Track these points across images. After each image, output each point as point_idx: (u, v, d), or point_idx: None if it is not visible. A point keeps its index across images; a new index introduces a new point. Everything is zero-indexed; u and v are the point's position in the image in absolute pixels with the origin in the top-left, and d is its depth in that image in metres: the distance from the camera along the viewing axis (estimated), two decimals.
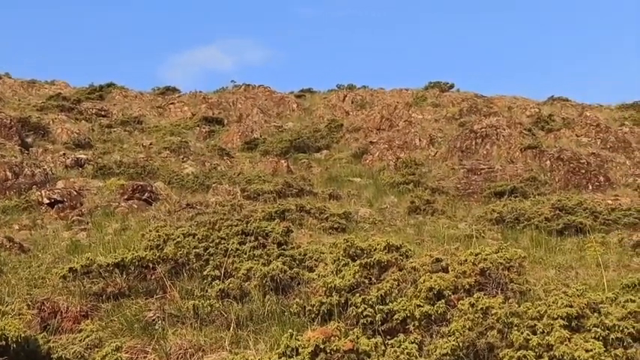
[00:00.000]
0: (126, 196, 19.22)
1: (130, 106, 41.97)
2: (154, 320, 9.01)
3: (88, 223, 17.00)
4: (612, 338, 6.62)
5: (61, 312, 9.45)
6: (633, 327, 6.71)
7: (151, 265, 10.57)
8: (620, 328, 6.67)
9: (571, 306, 6.92)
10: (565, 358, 6.29)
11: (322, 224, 17.41)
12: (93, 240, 14.72)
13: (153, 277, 10.56)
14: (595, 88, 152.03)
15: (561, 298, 7.14)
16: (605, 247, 15.84)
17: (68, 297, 9.88)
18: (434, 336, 7.59)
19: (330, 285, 8.60)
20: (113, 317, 9.21)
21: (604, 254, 14.69)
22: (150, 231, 11.89)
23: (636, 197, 23.44)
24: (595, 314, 6.92)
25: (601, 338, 6.60)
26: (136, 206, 18.73)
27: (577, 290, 7.34)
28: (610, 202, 21.89)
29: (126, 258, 10.41)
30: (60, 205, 18.58)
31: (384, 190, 25.27)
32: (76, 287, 10.20)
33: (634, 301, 7.10)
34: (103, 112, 39.03)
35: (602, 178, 26.12)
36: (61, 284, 10.25)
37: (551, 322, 6.77)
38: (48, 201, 18.75)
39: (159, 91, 48.58)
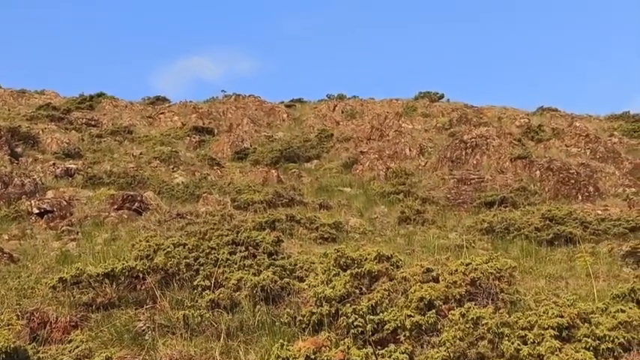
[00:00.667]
0: (116, 206, 19.18)
1: (120, 116, 41.89)
2: (144, 330, 8.99)
3: (77, 233, 16.95)
4: (603, 348, 6.63)
5: (51, 322, 9.42)
6: (624, 337, 6.73)
7: (141, 275, 10.54)
8: (611, 338, 6.69)
9: (562, 316, 6.93)
10: None
11: (313, 234, 17.40)
12: (83, 250, 14.67)
13: (143, 287, 10.53)
14: (584, 98, 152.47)
15: (552, 308, 7.15)
16: (595, 257, 15.87)
17: (58, 307, 9.85)
18: (425, 346, 7.59)
19: (320, 295, 8.59)
20: (103, 327, 9.18)
21: (594, 264, 14.72)
22: (140, 241, 11.87)
23: (626, 207, 23.48)
24: (586, 324, 6.94)
25: (592, 348, 6.62)
26: (126, 216, 18.69)
27: (567, 300, 7.36)
28: (600, 212, 21.92)
29: (116, 268, 10.38)
30: (50, 215, 18.53)
31: (374, 199, 25.26)
32: (65, 297, 10.16)
33: (624, 312, 7.12)
34: (93, 122, 38.95)
35: (591, 189, 26.17)
36: (51, 294, 10.22)
37: (542, 332, 6.78)
38: (37, 211, 18.70)
39: (149, 100, 48.51)
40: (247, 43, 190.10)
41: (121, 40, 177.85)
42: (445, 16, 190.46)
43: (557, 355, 6.47)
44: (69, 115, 38.94)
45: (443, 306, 8.05)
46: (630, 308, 7.31)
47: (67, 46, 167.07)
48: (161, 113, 42.95)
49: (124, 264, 10.49)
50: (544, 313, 7.13)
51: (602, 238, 18.58)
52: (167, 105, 45.92)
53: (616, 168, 29.57)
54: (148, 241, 11.55)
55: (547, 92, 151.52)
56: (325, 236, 17.32)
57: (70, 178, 25.27)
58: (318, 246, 15.92)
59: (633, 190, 26.67)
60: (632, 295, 7.88)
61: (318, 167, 33.38)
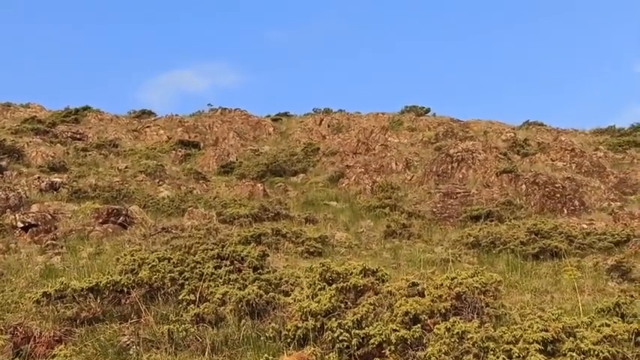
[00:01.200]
0: (101, 220, 19.09)
1: (106, 130, 41.78)
2: (128, 345, 8.94)
3: (62, 247, 16.86)
4: None
5: (34, 337, 9.35)
6: (608, 351, 6.73)
7: (125, 290, 10.49)
8: (596, 352, 6.69)
9: (547, 330, 6.93)
10: None
11: (298, 248, 17.39)
12: (67, 264, 14.59)
13: (127, 301, 10.49)
14: (570, 113, 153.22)
15: (537, 322, 7.15)
16: (580, 272, 15.87)
17: (42, 322, 9.78)
18: None
19: (306, 309, 8.57)
20: (87, 342, 9.12)
21: (579, 278, 14.72)
22: (124, 255, 11.82)
23: (611, 221, 23.55)
24: (570, 338, 6.94)
25: None
26: (111, 230, 18.61)
27: (552, 314, 7.36)
28: (585, 226, 21.98)
29: (100, 282, 10.33)
30: (34, 229, 18.43)
31: (360, 214, 25.27)
32: (49, 312, 10.10)
33: (609, 326, 7.13)
34: (78, 136, 38.83)
35: (577, 203, 26.24)
36: (35, 309, 10.15)
37: (527, 346, 6.78)
38: (22, 225, 18.59)
39: (135, 114, 48.43)
40: (233, 56, 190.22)
41: (104, 54, 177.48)
42: (432, 32, 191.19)
43: None
44: (54, 129, 38.81)
45: (428, 320, 8.04)
46: (615, 322, 7.32)
47: (52, 59, 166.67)
48: (147, 127, 42.88)
49: (108, 278, 10.45)
50: (529, 327, 7.13)
51: (588, 252, 18.65)
52: (153, 119, 45.86)
53: (601, 182, 29.68)
54: (132, 255, 11.50)
55: (533, 107, 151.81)
56: (311, 250, 17.31)
57: (55, 192, 25.14)
58: (303, 260, 15.91)
59: (618, 204, 26.77)
60: (617, 310, 7.89)
61: (304, 181, 33.36)
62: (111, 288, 10.42)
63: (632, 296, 9.81)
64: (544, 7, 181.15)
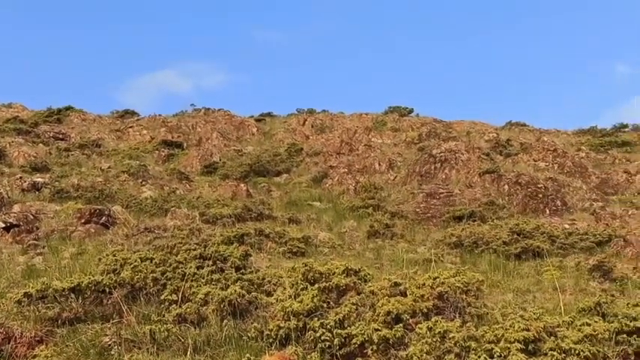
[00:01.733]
0: (83, 220, 19.01)
1: (89, 130, 41.62)
2: (110, 345, 8.91)
3: (44, 247, 16.78)
4: None
5: (15, 337, 9.30)
6: (589, 350, 6.76)
7: (107, 290, 10.46)
8: (577, 352, 6.72)
9: (528, 329, 6.95)
10: None
11: (281, 248, 17.39)
12: (49, 264, 14.52)
13: (109, 301, 10.45)
14: (552, 113, 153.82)
15: (518, 321, 7.18)
16: (562, 271, 15.98)
17: (23, 322, 9.73)
18: None
19: (288, 309, 8.57)
20: (68, 342, 9.08)
21: (561, 278, 14.82)
22: (107, 255, 11.77)
23: (593, 222, 23.66)
24: (552, 338, 6.97)
25: None
26: (93, 230, 18.54)
27: (534, 314, 7.39)
28: (567, 226, 22.08)
29: (82, 282, 10.29)
30: (16, 229, 18.33)
31: (343, 214, 25.28)
32: (30, 312, 10.04)
33: (590, 325, 7.16)
34: (60, 136, 38.67)
35: (559, 203, 26.34)
36: (16, 309, 10.09)
37: (508, 345, 6.80)
38: (4, 225, 18.49)
39: (118, 114, 48.27)
40: (217, 56, 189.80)
41: (86, 54, 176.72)
42: (415, 32, 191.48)
43: None
44: (36, 129, 38.62)
45: (410, 320, 8.06)
46: (596, 322, 7.35)
47: (34, 59, 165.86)
48: (130, 127, 42.74)
49: (90, 278, 10.40)
50: (511, 326, 7.15)
51: (570, 252, 18.73)
52: (136, 119, 45.72)
53: (583, 182, 29.80)
54: (114, 256, 11.46)
55: (516, 107, 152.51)
56: (294, 250, 17.32)
57: (37, 192, 25.02)
58: (286, 260, 15.89)
59: (600, 204, 26.88)
60: (598, 309, 7.93)
61: (288, 181, 33.34)
62: (93, 288, 10.37)
63: (613, 296, 9.86)
64: (527, 10, 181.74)
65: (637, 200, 28.03)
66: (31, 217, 19.22)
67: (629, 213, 24.46)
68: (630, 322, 7.34)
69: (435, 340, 7.17)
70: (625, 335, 7.22)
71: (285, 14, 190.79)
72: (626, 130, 46.99)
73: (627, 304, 8.12)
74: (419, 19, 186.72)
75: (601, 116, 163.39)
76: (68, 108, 46.03)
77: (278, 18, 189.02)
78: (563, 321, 7.47)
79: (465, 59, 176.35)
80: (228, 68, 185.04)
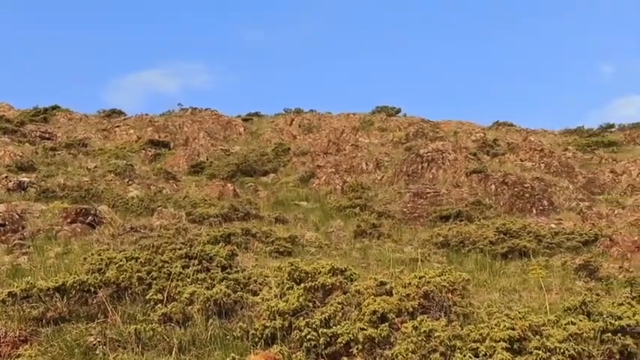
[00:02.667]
0: (69, 220, 18.93)
1: (75, 129, 41.53)
2: (94, 345, 8.87)
3: (29, 246, 16.70)
4: None
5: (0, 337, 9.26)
6: (574, 349, 6.77)
7: (92, 289, 10.40)
8: (561, 350, 6.73)
9: (513, 328, 6.96)
10: None
11: (268, 248, 17.37)
12: (34, 264, 14.45)
13: (94, 301, 10.40)
14: (539, 114, 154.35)
15: (504, 320, 7.18)
16: (548, 271, 15.99)
17: (7, 322, 9.67)
18: (377, 359, 7.57)
19: (274, 309, 8.55)
20: (53, 342, 9.03)
21: (547, 277, 14.82)
22: (92, 254, 11.71)
23: (579, 221, 23.73)
24: (537, 337, 6.97)
25: None
26: (79, 230, 18.46)
27: (519, 313, 7.39)
28: (553, 225, 22.13)
29: (67, 282, 10.23)
30: (1, 229, 18.23)
31: (330, 213, 25.28)
32: (15, 312, 9.98)
33: (575, 324, 7.17)
34: (47, 135, 38.57)
35: (545, 202, 26.40)
36: (0, 309, 10.04)
37: (494, 344, 6.80)
38: None
39: (104, 113, 48.16)
40: (203, 56, 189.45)
41: (72, 53, 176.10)
42: (403, 32, 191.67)
43: None
44: (22, 128, 38.52)
45: (396, 319, 8.05)
46: (581, 320, 7.37)
47: (20, 58, 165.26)
48: (116, 126, 42.65)
49: (75, 278, 10.35)
50: (496, 325, 7.15)
51: (556, 251, 18.78)
52: (123, 118, 45.63)
53: (570, 182, 29.89)
54: (100, 255, 11.40)
55: (503, 107, 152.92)
56: (281, 250, 17.30)
57: (23, 192, 24.93)
58: (273, 260, 15.87)
59: (587, 203, 26.97)
60: (583, 308, 7.93)
61: (275, 181, 33.34)
62: (78, 288, 10.31)
63: (598, 295, 9.88)
64: (514, 12, 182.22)
65: (623, 200, 28.12)
66: (17, 216, 19.13)
67: (615, 212, 24.55)
68: (615, 321, 7.35)
69: (420, 339, 7.17)
70: (610, 334, 7.23)
71: (271, 14, 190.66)
72: (613, 130, 47.19)
73: (612, 303, 8.13)
74: (407, 19, 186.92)
75: (587, 116, 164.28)
76: (55, 107, 45.93)
77: (264, 18, 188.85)
78: (549, 320, 7.47)
79: (452, 60, 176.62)
80: (215, 68, 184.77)
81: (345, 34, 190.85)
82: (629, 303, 7.97)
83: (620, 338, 7.18)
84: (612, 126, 47.94)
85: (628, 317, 7.39)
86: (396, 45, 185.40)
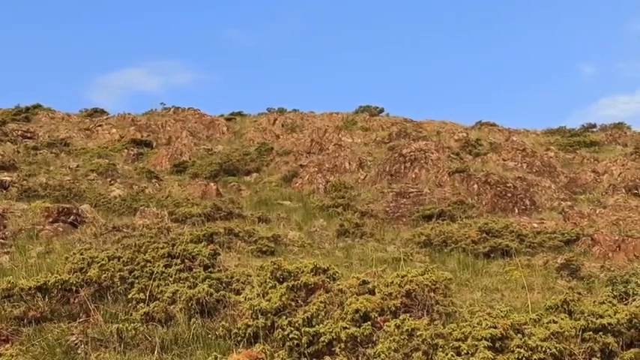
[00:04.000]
0: (51, 219, 18.86)
1: (57, 128, 41.35)
2: (76, 344, 8.83)
3: (11, 246, 16.61)
4: (535, 359, 6.68)
5: None
6: (555, 347, 6.80)
7: (74, 289, 10.36)
8: (543, 349, 6.75)
9: (495, 327, 6.98)
10: None
11: (251, 247, 17.37)
12: (16, 263, 14.37)
13: (76, 300, 10.36)
14: (522, 113, 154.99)
15: (486, 319, 7.20)
16: (530, 270, 16.09)
17: None
18: (360, 358, 7.59)
19: (256, 308, 8.55)
20: (34, 341, 8.99)
21: (529, 277, 14.91)
22: (74, 254, 11.66)
23: (561, 221, 23.83)
24: (519, 335, 6.99)
25: (524, 359, 6.67)
26: (61, 229, 18.39)
27: (501, 312, 7.41)
28: (536, 225, 22.23)
29: (49, 281, 10.19)
30: None
31: (313, 213, 25.29)
32: None
33: (556, 323, 7.20)
34: (28, 134, 38.40)
35: (528, 202, 26.50)
36: None
37: (476, 343, 6.82)
38: None
39: (86, 112, 47.96)
40: (186, 55, 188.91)
41: (52, 52, 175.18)
42: (385, 32, 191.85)
43: None
44: (4, 127, 38.31)
45: (378, 318, 8.06)
46: (562, 319, 7.40)
47: (1, 57, 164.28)
48: (99, 125, 42.48)
49: (57, 277, 10.31)
50: (478, 324, 7.17)
51: (538, 250, 18.88)
52: (105, 117, 45.45)
53: (552, 182, 30.01)
54: (82, 254, 11.36)
55: (485, 107, 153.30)
56: (263, 249, 17.30)
57: (5, 191, 24.81)
58: (256, 259, 15.87)
59: (568, 203, 27.09)
60: (565, 307, 7.96)
61: (258, 180, 33.32)
62: (59, 287, 10.27)
63: (579, 294, 9.92)
64: (495, 12, 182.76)
65: (605, 199, 28.26)
66: None
67: (597, 212, 24.66)
68: (596, 319, 7.38)
69: (402, 337, 7.18)
70: (591, 332, 7.27)
71: (248, 13, 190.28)
72: (595, 130, 47.41)
73: (594, 302, 8.16)
74: (387, 18, 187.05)
75: (569, 116, 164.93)
76: (36, 106, 45.75)
77: (244, 17, 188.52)
78: (531, 319, 7.50)
79: (435, 60, 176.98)
80: (197, 67, 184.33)
81: (325, 33, 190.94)
82: (610, 302, 8.01)
83: (601, 337, 7.22)
84: (594, 126, 48.18)
85: (609, 316, 7.42)
86: (377, 44, 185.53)
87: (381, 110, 48.60)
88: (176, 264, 10.86)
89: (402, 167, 30.46)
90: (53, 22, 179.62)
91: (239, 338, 8.44)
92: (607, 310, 7.57)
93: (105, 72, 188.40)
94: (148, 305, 9.47)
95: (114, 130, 41.50)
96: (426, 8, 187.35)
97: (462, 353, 6.82)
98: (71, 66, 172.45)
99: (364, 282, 9.05)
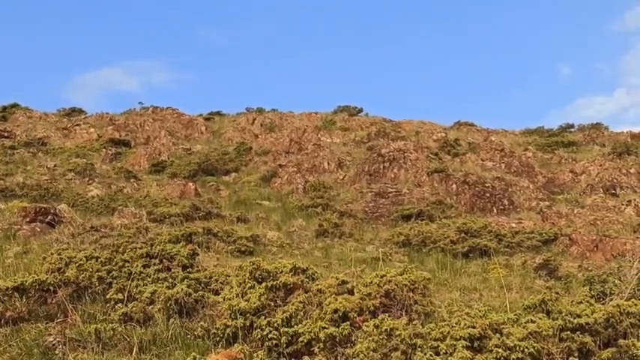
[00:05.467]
0: (28, 219, 18.75)
1: (35, 128, 41.14)
2: (54, 345, 8.78)
3: None
4: (513, 358, 6.70)
5: None
6: (533, 347, 6.82)
7: (52, 289, 10.30)
8: (521, 348, 6.77)
9: (473, 327, 6.99)
10: None
11: (230, 247, 17.33)
12: None
13: (54, 300, 10.29)
14: (500, 113, 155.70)
15: (464, 319, 7.21)
16: (508, 270, 16.14)
17: None
18: (339, 358, 7.58)
19: (235, 308, 8.52)
20: (12, 342, 8.93)
21: (508, 276, 14.96)
22: (52, 254, 11.59)
23: (539, 221, 23.94)
24: (497, 335, 7.01)
25: (502, 358, 6.69)
26: (38, 229, 18.29)
27: (479, 311, 7.43)
28: (514, 225, 22.32)
29: (26, 281, 10.12)
30: None
31: (292, 213, 25.28)
32: None
33: (534, 322, 7.23)
34: (5, 134, 38.19)
35: (506, 202, 26.60)
36: None
37: (454, 342, 6.83)
38: None
39: (64, 112, 47.75)
40: (164, 54, 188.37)
41: (29, 51, 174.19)
42: (362, 33, 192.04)
43: None
44: None
45: (357, 318, 8.05)
46: (540, 319, 7.42)
47: None
48: (77, 125, 42.29)
49: (34, 277, 10.24)
50: (457, 324, 7.19)
51: (516, 250, 18.96)
52: (83, 117, 45.27)
53: (530, 182, 30.14)
54: (59, 254, 11.29)
55: (464, 108, 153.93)
56: (242, 249, 17.27)
57: None
58: (235, 259, 15.84)
59: (546, 203, 27.22)
60: (543, 306, 7.99)
61: (237, 180, 33.27)
62: (37, 287, 10.21)
63: (557, 293, 9.96)
64: (474, 12, 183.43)
65: (582, 199, 28.42)
66: None
67: (575, 212, 24.79)
68: (574, 319, 7.41)
69: (381, 337, 7.18)
70: (569, 332, 7.29)
71: (227, 13, 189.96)
72: (573, 130, 47.70)
73: (571, 302, 8.19)
74: (366, 19, 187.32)
75: (547, 116, 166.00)
76: (14, 105, 45.54)
77: (221, 17, 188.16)
78: (509, 318, 7.52)
79: (414, 60, 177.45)
80: (175, 67, 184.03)
81: (303, 33, 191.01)
82: (587, 301, 8.04)
83: (578, 336, 7.25)
84: (572, 126, 48.50)
85: (587, 315, 7.45)
86: (356, 44, 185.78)
87: (360, 110, 48.70)
88: (154, 264, 10.82)
89: (381, 167, 30.51)
90: (29, 22, 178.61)
91: (218, 338, 8.41)
92: (584, 310, 7.60)
93: (82, 72, 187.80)
94: (126, 305, 9.42)
95: (92, 130, 41.32)
96: (405, 9, 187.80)
97: (441, 353, 6.83)
98: (47, 66, 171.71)
99: (343, 282, 9.05)
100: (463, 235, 19.42)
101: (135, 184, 30.24)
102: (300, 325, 7.99)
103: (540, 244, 19.67)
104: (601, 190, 29.47)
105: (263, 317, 8.34)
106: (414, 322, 7.51)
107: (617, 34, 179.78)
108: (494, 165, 32.60)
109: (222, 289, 10.08)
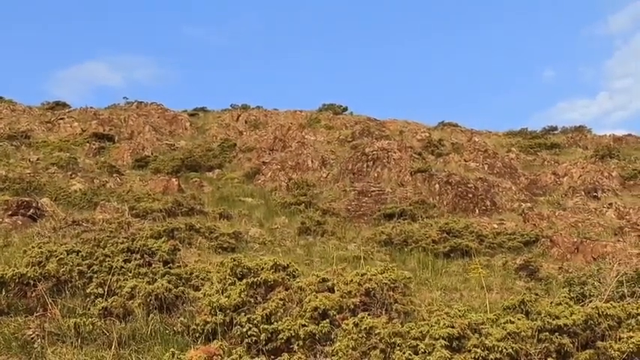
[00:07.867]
0: (10, 212, 18.69)
1: (18, 121, 40.96)
2: (33, 339, 8.75)
3: None
4: (491, 358, 6.73)
5: None
6: (512, 347, 6.85)
7: (32, 282, 10.27)
8: (500, 349, 6.79)
9: (453, 326, 7.01)
10: None
11: (212, 243, 17.31)
12: None
13: (34, 294, 10.26)
14: (484, 114, 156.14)
15: (443, 318, 7.23)
16: (489, 270, 16.20)
17: None
18: (318, 355, 7.59)
19: (215, 304, 8.51)
20: None
21: (488, 277, 15.01)
22: (32, 247, 11.56)
23: (521, 222, 24.01)
24: (476, 335, 7.03)
25: (481, 358, 6.71)
26: (20, 222, 18.24)
27: (459, 311, 7.45)
28: (496, 226, 22.38)
29: (6, 274, 10.09)
30: None
31: (275, 210, 25.28)
32: None
33: (513, 323, 7.25)
34: None
35: (488, 203, 26.66)
36: None
37: (433, 342, 6.84)
38: None
39: (48, 105, 47.58)
40: (148, 50, 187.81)
41: (12, 45, 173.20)
42: (348, 33, 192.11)
43: None
44: None
45: (337, 316, 8.06)
46: (519, 319, 7.44)
47: None
48: (60, 119, 42.14)
49: (14, 270, 10.20)
50: (436, 323, 7.20)
51: (498, 251, 19.01)
52: (67, 111, 45.09)
53: (512, 183, 30.23)
54: (40, 248, 11.26)
55: (449, 108, 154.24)
56: (224, 246, 17.26)
57: None
58: (216, 255, 15.83)
59: (528, 204, 27.29)
60: (522, 307, 8.02)
61: (220, 177, 33.24)
62: (17, 280, 10.17)
63: (537, 294, 10.00)
64: (461, 16, 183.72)
65: (564, 201, 28.52)
66: None
67: (556, 214, 24.87)
68: (553, 320, 7.43)
69: (360, 335, 7.19)
70: (547, 333, 7.31)
71: (213, 11, 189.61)
72: (556, 132, 47.91)
73: (551, 303, 8.22)
74: (352, 18, 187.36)
75: (530, 118, 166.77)
76: None
77: (206, 15, 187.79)
78: (488, 318, 7.54)
79: (400, 61, 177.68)
80: (160, 63, 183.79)
81: (289, 31, 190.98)
82: (566, 303, 8.07)
83: (557, 337, 7.27)
84: (555, 129, 48.73)
85: (565, 317, 7.48)
86: (342, 43, 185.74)
87: (345, 109, 48.73)
88: (135, 259, 10.80)
89: (365, 166, 30.53)
90: (13, 16, 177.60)
91: (197, 334, 8.41)
92: (563, 311, 7.63)
93: (65, 66, 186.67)
94: (106, 300, 9.40)
95: (76, 124, 41.19)
96: (390, 10, 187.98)
97: (420, 352, 6.84)
98: (33, 59, 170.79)
99: (324, 280, 9.05)
100: (445, 235, 19.46)
101: (118, 179, 30.16)
102: (279, 323, 7.99)
103: (521, 245, 19.73)
104: (583, 193, 29.58)
105: (243, 314, 8.33)
106: (394, 321, 7.52)
107: (601, 38, 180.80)
108: (477, 166, 32.67)
109: (202, 285, 10.07)
